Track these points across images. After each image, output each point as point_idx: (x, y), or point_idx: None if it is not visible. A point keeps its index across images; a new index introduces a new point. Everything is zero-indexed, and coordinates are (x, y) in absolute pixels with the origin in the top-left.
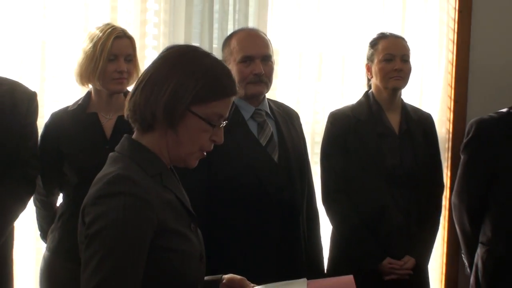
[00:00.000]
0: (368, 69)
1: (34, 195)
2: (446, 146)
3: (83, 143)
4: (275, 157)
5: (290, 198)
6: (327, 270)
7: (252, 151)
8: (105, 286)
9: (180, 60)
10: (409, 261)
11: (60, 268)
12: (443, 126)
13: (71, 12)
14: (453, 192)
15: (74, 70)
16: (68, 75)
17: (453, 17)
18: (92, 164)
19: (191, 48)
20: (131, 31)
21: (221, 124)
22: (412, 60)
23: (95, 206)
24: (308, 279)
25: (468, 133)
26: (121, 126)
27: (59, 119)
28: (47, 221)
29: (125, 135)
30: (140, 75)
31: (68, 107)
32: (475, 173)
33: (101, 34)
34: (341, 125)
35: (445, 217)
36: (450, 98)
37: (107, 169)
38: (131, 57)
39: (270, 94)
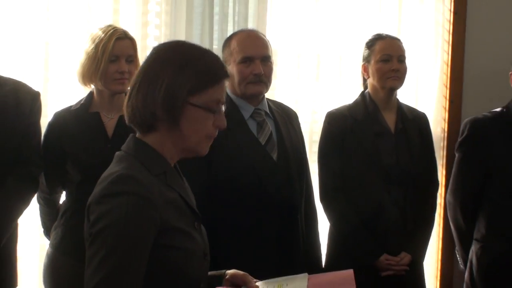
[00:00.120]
0: (365, 69)
1: (37, 193)
2: (441, 145)
3: (85, 142)
4: (274, 156)
5: (289, 196)
6: (325, 266)
7: (251, 150)
8: (106, 283)
9: (169, 56)
10: (405, 257)
11: (63, 264)
12: (438, 126)
13: (74, 14)
14: (448, 190)
15: (76, 71)
16: (71, 76)
17: (448, 18)
18: (94, 163)
19: (178, 42)
20: (132, 33)
21: (220, 108)
22: (408, 60)
23: (99, 205)
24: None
25: (463, 132)
26: (123, 126)
27: (62, 119)
28: (50, 218)
29: (131, 134)
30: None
31: (71, 106)
32: (469, 171)
33: (102, 36)
34: (338, 124)
35: (440, 214)
36: (445, 98)
37: (113, 168)
38: (132, 58)
39: (269, 94)
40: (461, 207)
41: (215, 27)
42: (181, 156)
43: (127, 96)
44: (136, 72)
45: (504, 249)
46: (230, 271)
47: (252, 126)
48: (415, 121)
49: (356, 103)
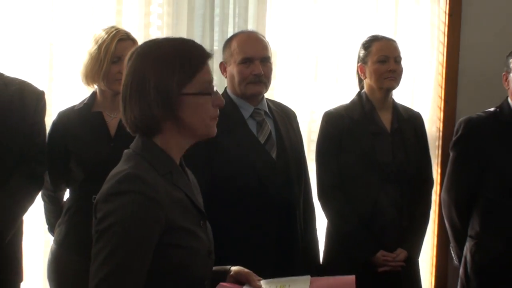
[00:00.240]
0: (361, 70)
1: (42, 190)
2: (436, 144)
3: (88, 141)
4: (273, 155)
5: (288, 194)
6: (322, 262)
7: (251, 149)
8: (109, 280)
9: (148, 56)
10: (401, 253)
11: (67, 260)
12: (433, 125)
13: (78, 16)
14: (443, 188)
15: (80, 71)
16: (75, 76)
17: (444, 20)
18: (97, 161)
19: (150, 41)
20: (135, 34)
21: (213, 88)
22: (404, 61)
23: (106, 203)
24: (305, 270)
25: (457, 132)
26: None
27: (66, 118)
28: (55, 215)
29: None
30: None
31: (74, 106)
32: (463, 170)
33: (105, 37)
34: (335, 124)
35: (435, 211)
36: (441, 98)
37: (120, 167)
38: None
39: (269, 94)
40: (455, 204)
41: (216, 29)
42: (193, 143)
43: (121, 111)
44: (122, 86)
45: (497, 246)
46: (234, 268)
47: (252, 125)
48: (411, 121)
49: (353, 103)
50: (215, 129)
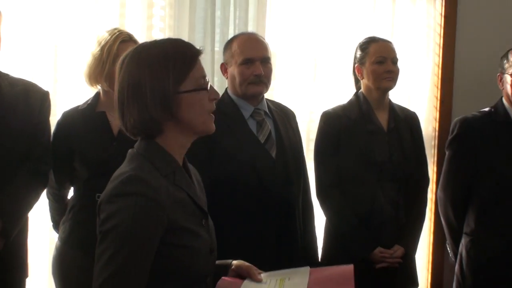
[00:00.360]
0: (359, 70)
1: (46, 188)
2: (433, 143)
3: (92, 140)
4: (273, 154)
5: (287, 192)
6: (321, 259)
7: (251, 148)
8: (113, 280)
9: (140, 61)
10: (398, 250)
11: (71, 256)
12: (429, 125)
13: (82, 18)
14: (439, 186)
15: (83, 72)
16: (79, 77)
17: (439, 22)
18: (101, 160)
19: (140, 46)
20: (138, 36)
21: (207, 82)
22: (401, 63)
23: (109, 204)
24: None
25: (453, 131)
26: None
27: (70, 118)
28: (59, 213)
29: None
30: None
31: (78, 106)
32: (459, 168)
33: (108, 38)
34: (333, 123)
35: (431, 209)
36: (437, 98)
37: (124, 168)
38: None
39: (268, 95)
40: (451, 202)
41: (217, 30)
42: (193, 140)
43: (119, 117)
44: (116, 93)
45: (492, 243)
46: (236, 262)
47: (252, 125)
48: (407, 120)
49: (350, 103)
50: (213, 126)
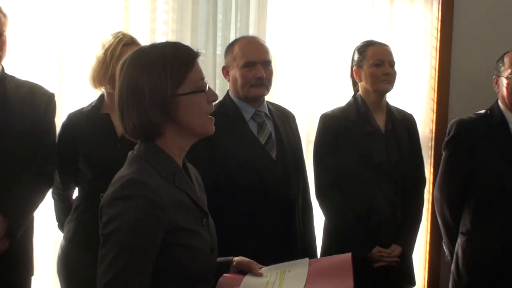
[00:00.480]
0: (356, 73)
1: (52, 188)
2: (429, 144)
3: (96, 141)
4: (273, 155)
5: (287, 192)
6: (320, 257)
7: (252, 149)
8: (116, 281)
9: (139, 64)
10: (396, 249)
11: (76, 255)
12: (426, 126)
13: (87, 22)
14: (435, 186)
15: (88, 74)
16: (84, 79)
17: (436, 26)
18: (105, 161)
19: (138, 50)
20: (141, 39)
21: (205, 84)
22: (399, 66)
23: (110, 207)
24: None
25: (449, 132)
26: None
27: (75, 119)
28: (64, 212)
29: None
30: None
31: (83, 108)
32: (455, 169)
33: (111, 41)
34: (332, 125)
35: (428, 209)
36: (433, 100)
37: (124, 171)
38: None
39: (269, 97)
40: (447, 202)
41: (219, 34)
42: (193, 142)
43: (120, 120)
44: (116, 96)
45: (488, 242)
46: (236, 258)
47: (253, 126)
48: (404, 122)
49: (348, 105)
50: (213, 127)
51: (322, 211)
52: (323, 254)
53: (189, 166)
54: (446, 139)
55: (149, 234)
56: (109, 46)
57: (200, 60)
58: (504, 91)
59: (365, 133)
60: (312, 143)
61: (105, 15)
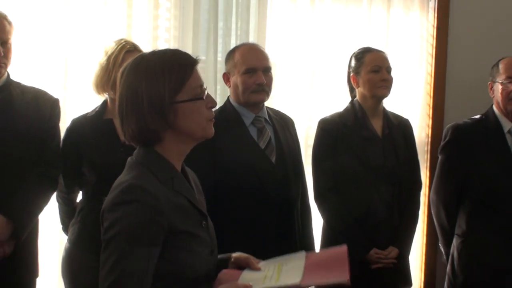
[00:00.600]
0: (354, 80)
1: (56, 192)
2: (425, 149)
3: (100, 146)
4: (273, 159)
5: (286, 195)
6: None
7: (252, 153)
8: (116, 286)
9: (138, 71)
10: (393, 251)
11: (80, 257)
12: (422, 131)
13: (91, 30)
14: (432, 190)
15: (91, 80)
16: (87, 85)
17: (432, 33)
18: (108, 165)
19: (139, 56)
20: (144, 46)
21: (204, 90)
22: (395, 72)
23: (111, 212)
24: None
25: (445, 137)
26: None
27: (79, 124)
28: (68, 215)
29: None
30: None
31: (87, 113)
32: (451, 172)
33: (114, 48)
34: (330, 130)
35: (424, 212)
36: (429, 106)
37: (124, 177)
38: None
39: (268, 103)
40: (443, 205)
41: (219, 41)
42: (193, 145)
43: (120, 126)
44: (117, 102)
45: (482, 243)
46: (234, 254)
47: (253, 131)
48: (400, 126)
49: (346, 110)
50: (213, 130)
51: (321, 213)
52: None
53: (188, 170)
54: (442, 143)
55: (149, 238)
56: (112, 53)
57: (201, 67)
58: (499, 96)
59: (362, 137)
60: (311, 148)
61: (109, 23)
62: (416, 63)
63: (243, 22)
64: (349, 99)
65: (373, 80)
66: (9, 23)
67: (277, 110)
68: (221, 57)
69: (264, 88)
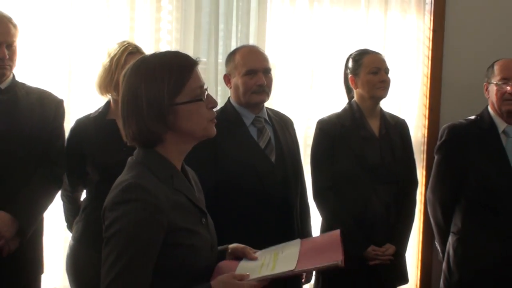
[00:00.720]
0: (352, 81)
1: (61, 190)
2: (422, 148)
3: (103, 146)
4: (273, 158)
5: (286, 194)
6: None
7: (252, 153)
8: (118, 281)
9: (138, 74)
10: (390, 248)
11: (83, 254)
12: (419, 131)
13: (95, 32)
14: (428, 188)
15: (95, 82)
16: (91, 87)
17: (428, 36)
18: (111, 164)
19: (140, 59)
20: (146, 48)
21: (205, 91)
22: (392, 73)
23: (111, 211)
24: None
25: (441, 137)
26: None
27: (82, 125)
28: (72, 213)
29: None
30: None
31: (90, 114)
32: (447, 172)
33: (117, 50)
34: (328, 130)
35: (420, 210)
36: (425, 106)
37: (124, 176)
38: None
39: (268, 103)
40: (440, 203)
41: (220, 43)
42: (194, 144)
43: (122, 127)
44: (119, 104)
45: (477, 241)
46: (231, 246)
47: (253, 131)
48: (397, 127)
49: (344, 111)
50: (214, 130)
51: (319, 212)
52: None
53: (188, 168)
54: (438, 143)
55: (148, 236)
56: (115, 55)
57: (202, 68)
58: (493, 97)
59: (360, 137)
60: (310, 147)
61: (112, 26)
62: (413, 65)
63: (244, 25)
64: (347, 99)
65: (372, 81)
66: (14, 26)
67: (277, 111)
68: (221, 59)
69: (265, 89)
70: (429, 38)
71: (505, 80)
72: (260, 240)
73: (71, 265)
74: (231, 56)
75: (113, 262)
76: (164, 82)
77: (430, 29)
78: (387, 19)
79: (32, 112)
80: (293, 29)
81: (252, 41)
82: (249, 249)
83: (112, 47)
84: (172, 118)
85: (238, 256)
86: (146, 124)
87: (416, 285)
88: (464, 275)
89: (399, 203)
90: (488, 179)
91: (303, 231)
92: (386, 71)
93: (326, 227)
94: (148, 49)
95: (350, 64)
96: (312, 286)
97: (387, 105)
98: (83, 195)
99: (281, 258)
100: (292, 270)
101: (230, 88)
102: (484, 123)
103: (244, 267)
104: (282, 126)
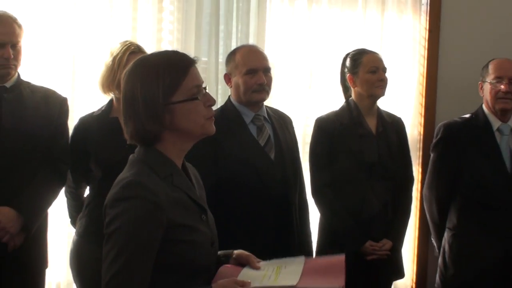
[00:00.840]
0: (351, 80)
1: (64, 187)
2: (418, 146)
3: (106, 143)
4: (272, 156)
5: (285, 191)
6: (315, 252)
7: (252, 151)
8: (118, 277)
9: (135, 74)
10: (386, 243)
11: (87, 249)
12: (415, 129)
13: (98, 32)
14: (424, 185)
15: (98, 80)
16: (94, 85)
17: (424, 36)
18: (114, 161)
19: (139, 59)
20: (148, 48)
21: (202, 90)
22: (389, 72)
23: (112, 208)
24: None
25: (437, 135)
26: None
27: (86, 122)
28: (76, 209)
29: None
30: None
31: (93, 112)
32: (443, 169)
33: (119, 50)
34: (327, 128)
35: (416, 207)
36: (421, 105)
37: (124, 174)
38: None
39: (267, 102)
40: (436, 200)
41: (220, 43)
42: (194, 142)
43: (123, 126)
44: (120, 103)
45: (472, 237)
46: (236, 251)
47: (253, 129)
48: (393, 125)
49: (342, 109)
50: (213, 127)
51: (318, 208)
52: (319, 249)
53: (188, 165)
54: (434, 141)
55: (148, 232)
56: (117, 54)
57: (203, 67)
58: (488, 95)
59: (357, 135)
60: (308, 145)
61: (115, 25)
62: (409, 64)
63: (243, 25)
64: (344, 98)
65: (371, 80)
66: (19, 26)
67: (276, 109)
68: (222, 59)
69: (265, 88)
70: (425, 38)
71: (499, 78)
72: (259, 236)
73: (75, 260)
74: (231, 56)
75: (114, 258)
76: (159, 81)
77: (426, 29)
78: (384, 20)
79: (37, 110)
80: (292, 30)
81: (251, 41)
82: (253, 257)
83: (114, 47)
84: (169, 117)
85: (242, 263)
86: (142, 123)
87: (412, 280)
88: (459, 270)
89: (395, 199)
90: (483, 176)
91: (302, 227)
92: (384, 70)
93: (324, 223)
94: (150, 49)
95: (348, 63)
96: None
97: (384, 103)
98: (87, 191)
99: (284, 273)
100: (293, 286)
101: (231, 87)
102: (478, 121)
103: (246, 275)
104: (281, 124)
